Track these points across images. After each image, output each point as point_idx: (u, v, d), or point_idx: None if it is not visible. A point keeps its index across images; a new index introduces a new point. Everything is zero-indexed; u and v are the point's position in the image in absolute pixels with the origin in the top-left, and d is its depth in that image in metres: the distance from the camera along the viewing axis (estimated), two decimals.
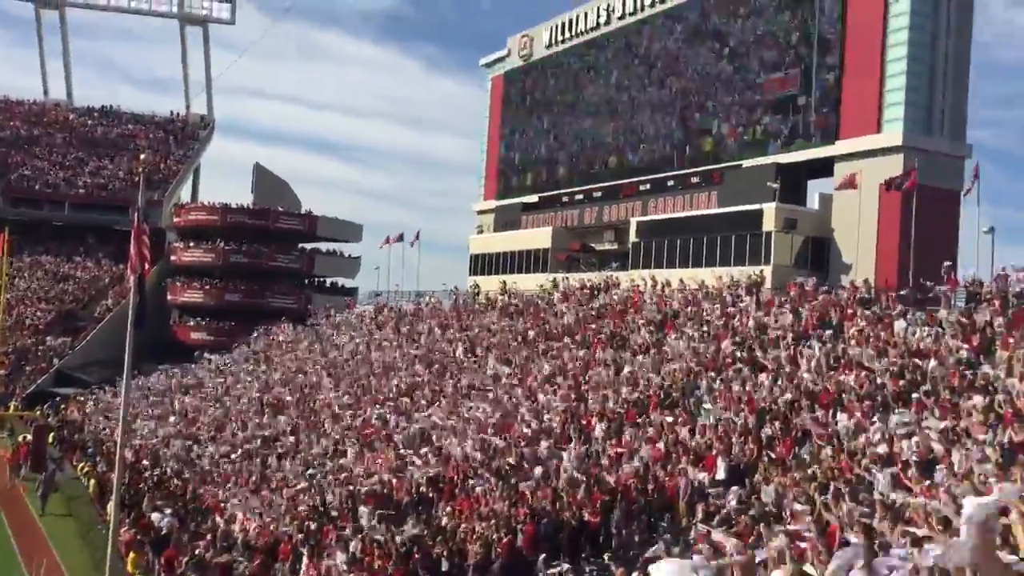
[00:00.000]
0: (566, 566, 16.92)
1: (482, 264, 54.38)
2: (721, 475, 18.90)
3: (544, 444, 23.45)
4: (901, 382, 20.11)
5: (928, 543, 9.53)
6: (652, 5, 48.06)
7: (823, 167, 38.14)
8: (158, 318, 69.34)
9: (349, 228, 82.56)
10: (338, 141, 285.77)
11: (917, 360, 20.95)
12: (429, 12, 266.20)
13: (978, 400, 17.20)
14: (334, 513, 23.65)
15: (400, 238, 55.60)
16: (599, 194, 49.26)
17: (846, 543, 10.69)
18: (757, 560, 11.66)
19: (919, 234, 31.12)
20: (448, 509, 21.72)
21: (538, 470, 21.91)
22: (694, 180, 43.25)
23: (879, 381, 20.54)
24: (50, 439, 45.31)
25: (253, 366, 50.32)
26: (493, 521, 19.93)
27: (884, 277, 30.18)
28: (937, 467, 14.74)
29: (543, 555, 17.68)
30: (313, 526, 23.00)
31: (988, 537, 6.65)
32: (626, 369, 27.47)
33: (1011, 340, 20.20)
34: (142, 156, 50.16)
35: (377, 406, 33.16)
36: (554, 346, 32.87)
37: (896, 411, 18.62)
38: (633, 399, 24.92)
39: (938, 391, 18.85)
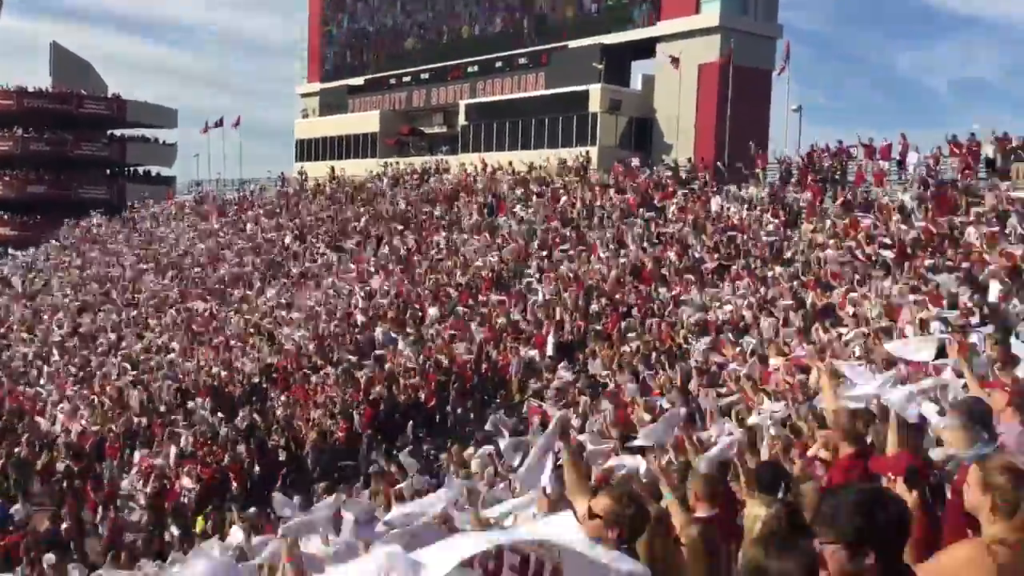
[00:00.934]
0: (410, 445, 17.28)
1: (309, 150, 52.69)
2: (551, 352, 19.60)
3: (379, 330, 23.53)
4: (716, 256, 21.28)
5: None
6: None
7: (646, 48, 38.76)
8: None
9: (162, 113, 77.66)
10: (145, 18, 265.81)
11: (731, 235, 22.18)
12: None
13: (784, 270, 18.47)
14: (163, 408, 23.04)
15: (219, 123, 53.05)
16: (427, 76, 48.28)
17: (663, 410, 11.36)
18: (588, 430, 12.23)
19: (734, 113, 32.41)
20: (283, 399, 21.58)
21: (373, 355, 22.04)
22: (521, 61, 43.05)
23: (697, 256, 21.66)
24: None
25: (65, 261, 47.43)
26: (329, 408, 20.00)
27: (702, 156, 31.40)
28: (747, 334, 15.82)
29: (378, 437, 17.99)
30: (143, 422, 22.35)
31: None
32: (458, 253, 27.71)
33: (815, 214, 21.68)
34: None
35: (204, 298, 32.16)
36: (385, 231, 32.64)
37: (712, 284, 19.79)
38: (465, 282, 25.25)
39: (749, 263, 20.10)
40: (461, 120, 43.69)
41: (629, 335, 18.55)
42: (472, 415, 19.38)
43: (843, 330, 13.41)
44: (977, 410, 4.81)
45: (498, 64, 44.55)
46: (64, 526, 16.20)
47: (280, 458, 19.23)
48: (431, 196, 34.80)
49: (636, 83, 40.34)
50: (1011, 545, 2.92)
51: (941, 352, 7.68)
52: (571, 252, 24.56)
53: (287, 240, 36.21)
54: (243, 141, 54.23)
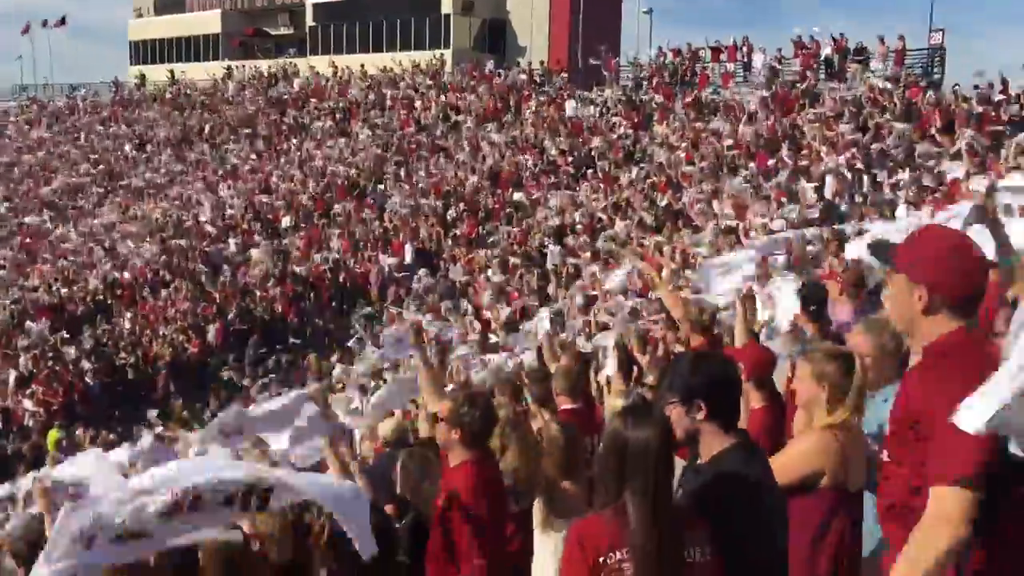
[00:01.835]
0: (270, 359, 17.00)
1: (144, 52, 49.47)
2: (409, 259, 19.50)
3: (231, 241, 22.77)
4: (571, 159, 21.46)
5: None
6: None
7: None
8: None
9: None
10: None
11: (584, 138, 22.37)
12: None
13: (637, 172, 18.83)
14: None
15: (44, 24, 49.14)
16: None
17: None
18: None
19: (587, 16, 32.36)
20: (130, 315, 20.70)
21: (225, 268, 21.36)
22: None
23: (552, 159, 21.79)
24: None
25: None
26: (181, 324, 19.35)
27: (556, 58, 31.30)
28: (602, 235, 16.13)
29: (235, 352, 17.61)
30: None
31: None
32: (310, 160, 26.91)
33: (666, 117, 22.07)
34: None
35: (37, 212, 30.21)
36: (232, 139, 31.29)
37: (567, 187, 20.00)
38: (320, 191, 24.61)
39: (602, 166, 20.38)
40: (309, 21, 41.92)
41: (487, 240, 18.66)
42: (332, 325, 19.17)
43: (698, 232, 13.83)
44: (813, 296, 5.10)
45: None
46: None
47: (130, 376, 18.58)
48: (281, 101, 33.46)
49: None
50: (850, 428, 3.11)
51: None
52: (427, 158, 24.25)
53: (126, 149, 34.23)
54: (71, 43, 50.42)
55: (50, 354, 18.95)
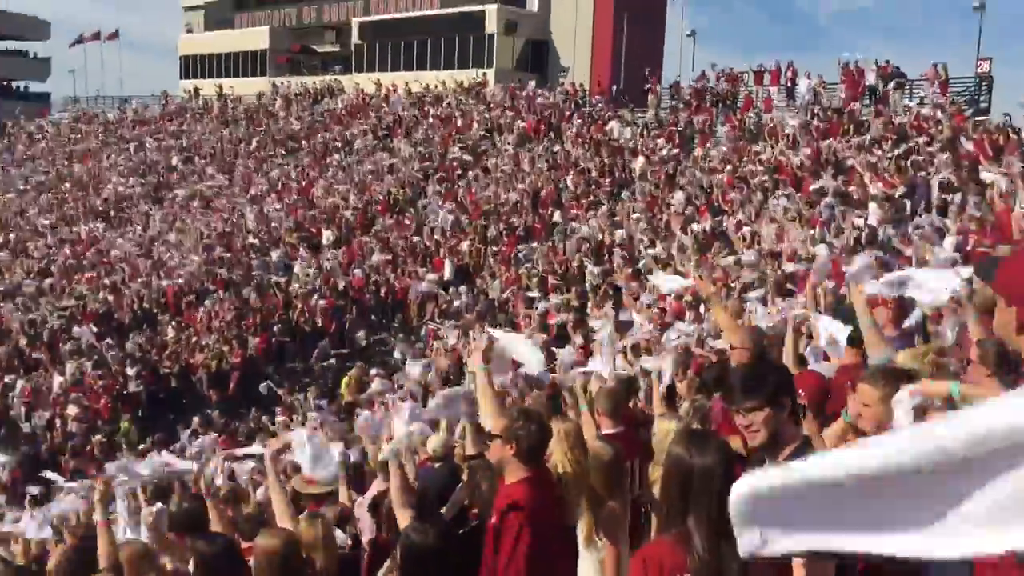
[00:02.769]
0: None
1: (194, 67, 50.45)
2: (449, 275, 19.65)
3: (274, 254, 23.10)
4: (610, 180, 21.54)
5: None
6: None
7: None
8: None
9: (33, 24, 72.93)
10: None
11: (625, 158, 22.45)
12: None
13: (678, 195, 18.85)
14: (45, 335, 22.16)
15: (96, 36, 50.31)
16: None
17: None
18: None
19: (630, 37, 32.49)
20: (174, 324, 21.04)
21: (268, 280, 21.64)
22: None
23: (593, 178, 21.88)
24: None
25: None
26: (224, 334, 19.64)
27: (598, 79, 31.45)
28: (642, 257, 16.16)
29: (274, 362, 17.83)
30: (25, 349, 21.48)
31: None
32: (353, 175, 27.24)
33: (707, 140, 22.10)
34: None
35: (87, 221, 30.85)
36: (278, 154, 31.78)
37: (605, 206, 20.07)
38: (362, 206, 24.91)
39: (643, 187, 20.42)
40: (354, 39, 42.50)
41: (525, 258, 18.76)
42: (371, 339, 19.37)
43: (742, 255, 13.77)
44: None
45: None
46: None
47: (172, 385, 18.88)
48: (325, 118, 33.94)
49: (532, 4, 39.91)
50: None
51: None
52: (468, 175, 24.46)
53: (174, 161, 34.88)
54: (123, 57, 51.57)
55: (96, 359, 19.30)
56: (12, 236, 31.47)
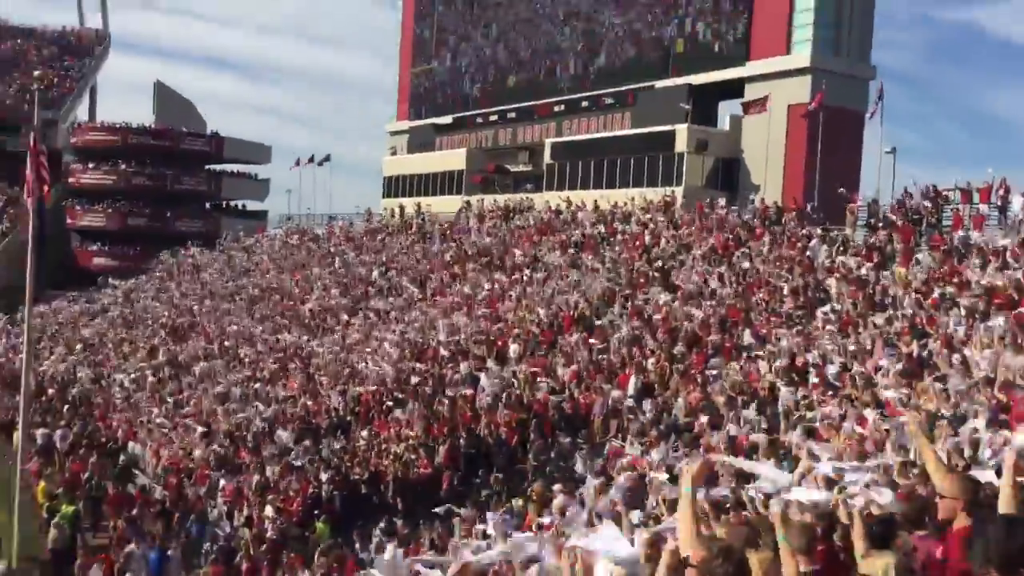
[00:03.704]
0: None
1: (397, 186, 53.75)
2: (633, 391, 19.39)
3: (462, 365, 23.65)
4: (804, 298, 20.84)
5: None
6: None
7: (735, 88, 38.55)
8: (58, 243, 66.77)
9: (257, 150, 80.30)
10: (244, 59, 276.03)
11: (820, 277, 21.72)
12: None
13: (878, 317, 17.96)
14: (250, 437, 23.50)
15: (311, 160, 54.66)
16: (513, 115, 48.94)
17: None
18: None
19: (825, 155, 31.90)
20: (365, 432, 21.79)
21: (455, 391, 22.12)
22: (608, 101, 43.28)
23: (785, 298, 21.25)
24: None
25: (161, 291, 49.08)
26: (412, 442, 20.12)
27: (791, 197, 30.92)
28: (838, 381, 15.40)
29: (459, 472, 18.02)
30: (230, 450, 22.85)
31: None
32: (541, 290, 27.74)
33: (908, 259, 21.08)
34: (36, 73, 46.88)
35: (292, 330, 32.85)
36: (469, 268, 32.92)
37: (799, 327, 19.37)
38: (548, 320, 25.23)
39: (840, 308, 19.61)
40: (546, 159, 44.03)
41: (713, 376, 18.27)
42: (552, 454, 19.25)
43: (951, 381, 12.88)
44: None
45: (584, 103, 44.83)
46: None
47: (362, 491, 19.41)
48: (516, 233, 35.01)
49: (723, 123, 40.11)
50: None
51: None
52: (656, 291, 24.36)
53: (373, 274, 36.81)
54: (333, 178, 55.70)
55: (295, 462, 20.19)
56: (228, 343, 33.88)
